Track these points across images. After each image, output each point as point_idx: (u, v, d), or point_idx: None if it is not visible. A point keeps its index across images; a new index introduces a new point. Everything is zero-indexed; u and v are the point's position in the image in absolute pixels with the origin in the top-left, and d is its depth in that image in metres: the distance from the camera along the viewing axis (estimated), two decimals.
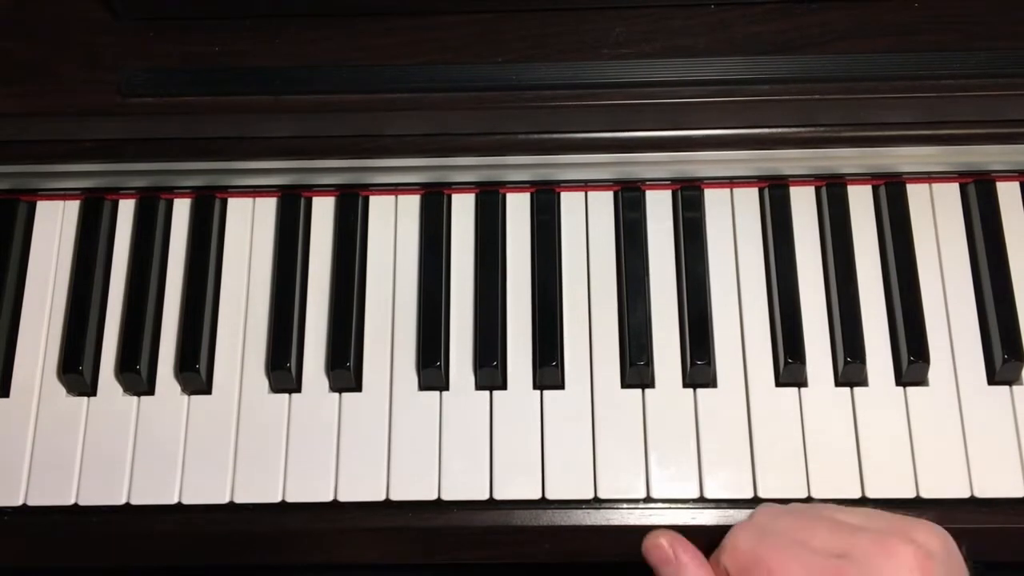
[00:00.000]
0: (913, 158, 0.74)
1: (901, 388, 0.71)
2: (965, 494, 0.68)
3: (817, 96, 0.70)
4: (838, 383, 0.71)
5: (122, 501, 0.70)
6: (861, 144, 0.72)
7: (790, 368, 0.70)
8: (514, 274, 0.75)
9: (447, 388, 0.72)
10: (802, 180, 0.76)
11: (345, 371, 0.71)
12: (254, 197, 0.78)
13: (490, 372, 0.71)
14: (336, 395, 0.72)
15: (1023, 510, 0.68)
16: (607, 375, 0.72)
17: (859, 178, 0.76)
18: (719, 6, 0.72)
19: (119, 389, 0.73)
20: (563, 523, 0.69)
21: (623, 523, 0.68)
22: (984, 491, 0.68)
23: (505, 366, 0.72)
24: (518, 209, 0.77)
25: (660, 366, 0.72)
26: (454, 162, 0.74)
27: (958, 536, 0.58)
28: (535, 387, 0.72)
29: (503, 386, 0.72)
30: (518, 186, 0.77)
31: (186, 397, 0.73)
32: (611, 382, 0.72)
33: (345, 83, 0.71)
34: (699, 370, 0.71)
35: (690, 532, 0.68)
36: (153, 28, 0.73)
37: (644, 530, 0.68)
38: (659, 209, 0.76)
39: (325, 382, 0.73)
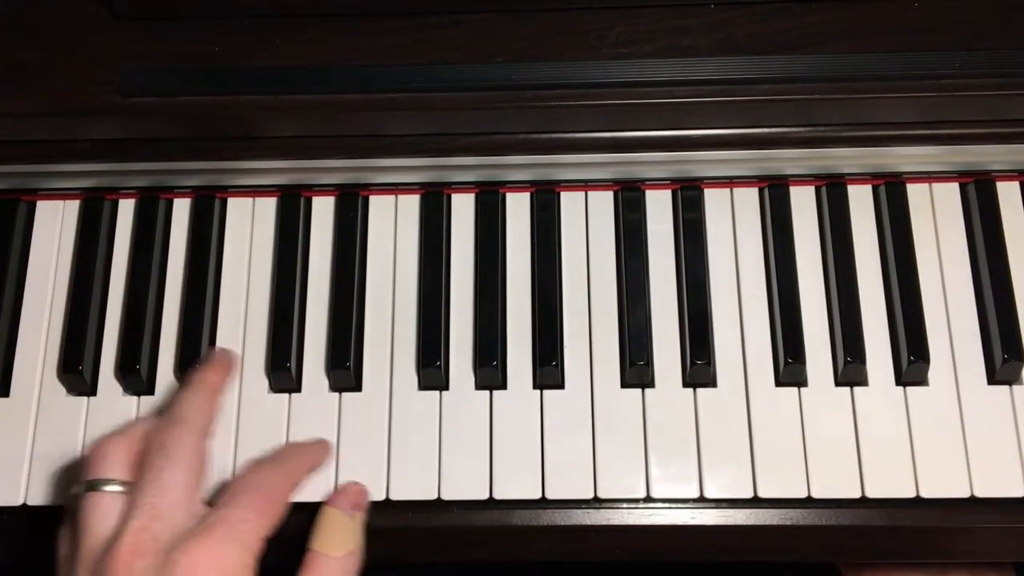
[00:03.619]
0: (913, 158, 0.74)
1: (901, 388, 0.71)
2: (965, 494, 0.68)
3: (817, 96, 0.69)
4: (838, 383, 0.71)
5: None
6: (861, 144, 0.72)
7: (790, 368, 0.70)
8: (514, 274, 0.75)
9: (447, 388, 0.72)
10: (802, 180, 0.76)
11: (345, 371, 0.71)
12: (254, 197, 0.78)
13: (490, 372, 0.71)
14: (336, 395, 0.72)
15: (1023, 510, 0.68)
16: (607, 375, 0.72)
17: (859, 178, 0.76)
18: (719, 6, 0.72)
19: (119, 389, 0.73)
20: (563, 523, 0.69)
21: (623, 523, 0.68)
22: (984, 491, 0.68)
23: (505, 366, 0.72)
24: (518, 209, 0.77)
25: (660, 366, 0.72)
26: (454, 162, 0.74)
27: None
28: (535, 387, 0.72)
29: (503, 386, 0.72)
30: (518, 186, 0.77)
31: None
32: (611, 382, 0.71)
33: (345, 83, 0.71)
34: (699, 370, 0.71)
35: (690, 532, 0.68)
36: (153, 28, 0.73)
37: (644, 530, 0.68)
38: (659, 209, 0.76)
39: (325, 382, 0.73)
